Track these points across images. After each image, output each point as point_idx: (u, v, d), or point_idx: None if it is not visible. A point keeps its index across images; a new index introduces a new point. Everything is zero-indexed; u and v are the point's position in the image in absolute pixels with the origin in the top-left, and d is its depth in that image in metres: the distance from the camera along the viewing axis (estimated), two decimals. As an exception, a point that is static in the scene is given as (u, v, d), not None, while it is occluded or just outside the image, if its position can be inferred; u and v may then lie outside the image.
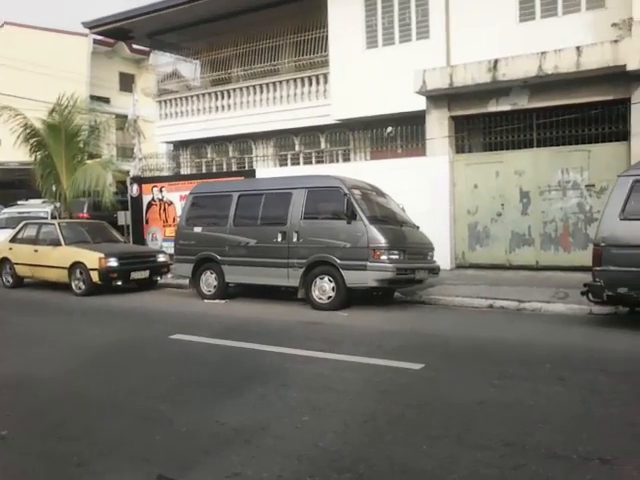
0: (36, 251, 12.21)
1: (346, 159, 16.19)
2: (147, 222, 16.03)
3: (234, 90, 17.86)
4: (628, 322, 7.40)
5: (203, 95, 18.61)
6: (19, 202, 19.00)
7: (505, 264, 12.06)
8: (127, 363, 5.95)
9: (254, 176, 14.31)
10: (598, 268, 6.95)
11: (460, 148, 12.89)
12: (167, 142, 20.15)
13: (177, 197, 15.13)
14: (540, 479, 3.15)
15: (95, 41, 27.33)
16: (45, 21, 49.48)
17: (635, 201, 6.83)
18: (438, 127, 12.62)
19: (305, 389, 4.81)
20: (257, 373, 5.34)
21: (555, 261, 11.57)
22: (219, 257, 10.16)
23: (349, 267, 8.71)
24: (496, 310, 8.70)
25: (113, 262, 11.24)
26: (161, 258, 12.29)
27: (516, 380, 4.96)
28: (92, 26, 19.59)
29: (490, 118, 12.24)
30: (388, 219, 9.35)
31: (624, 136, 11.04)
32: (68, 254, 11.59)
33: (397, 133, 13.99)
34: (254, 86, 17.37)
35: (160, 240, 15.65)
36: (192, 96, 18.89)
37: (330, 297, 8.89)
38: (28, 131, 14.70)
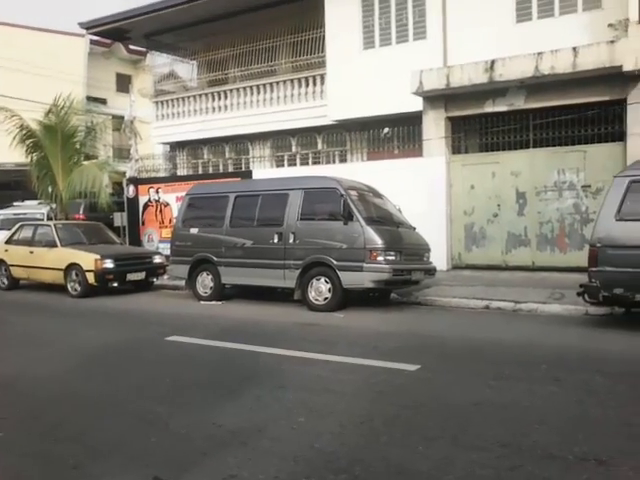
0: (32, 252, 12.18)
1: (343, 160, 16.19)
2: (143, 223, 16.00)
3: (231, 91, 17.85)
4: (624, 323, 7.42)
5: (200, 96, 18.59)
6: (15, 203, 18.95)
7: (501, 265, 12.07)
8: (123, 365, 5.94)
9: (251, 177, 14.29)
10: (594, 269, 6.95)
11: (457, 149, 12.92)
12: (164, 143, 20.12)
13: (173, 198, 15.10)
14: (536, 480, 3.16)
15: (92, 42, 27.25)
16: (41, 21, 49.36)
17: (631, 202, 6.83)
18: (435, 128, 12.63)
19: (301, 390, 4.80)
20: (253, 375, 5.33)
21: (551, 262, 11.59)
22: (215, 258, 10.14)
23: (345, 268, 8.71)
24: (492, 311, 8.70)
25: (109, 263, 11.22)
26: (157, 259, 12.27)
27: (512, 381, 4.96)
28: (89, 27, 19.54)
29: (487, 119, 12.25)
30: (385, 220, 9.35)
31: (620, 137, 11.08)
32: (64, 255, 11.57)
33: (394, 134, 13.99)
34: (251, 87, 17.36)
35: (156, 241, 15.62)
36: (189, 97, 18.87)
37: (326, 298, 8.89)
38: (24, 132, 14.66)
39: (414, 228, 9.94)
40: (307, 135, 16.46)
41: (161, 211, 15.65)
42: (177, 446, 3.70)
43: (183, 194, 11.88)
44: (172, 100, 19.23)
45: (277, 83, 16.85)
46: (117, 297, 11.16)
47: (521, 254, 11.92)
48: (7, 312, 10.14)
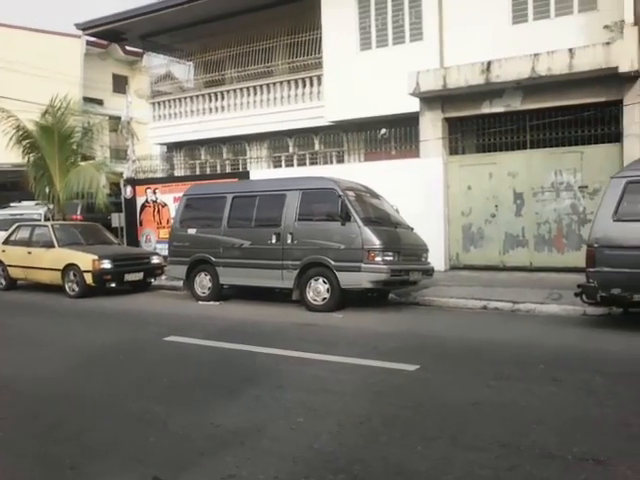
0: (29, 253, 12.16)
1: (340, 161, 16.19)
2: (141, 224, 15.98)
3: (228, 92, 17.85)
4: (622, 323, 7.43)
5: (197, 97, 18.59)
6: (12, 204, 18.88)
7: (499, 265, 12.09)
8: (122, 365, 5.93)
9: (248, 178, 14.29)
10: (591, 269, 6.97)
11: (454, 150, 12.93)
12: (161, 144, 20.11)
13: (171, 199, 15.08)
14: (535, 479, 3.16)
15: (88, 43, 27.20)
16: (37, 22, 49.29)
17: (628, 202, 6.86)
18: (432, 129, 12.65)
19: (300, 390, 4.81)
20: (252, 375, 5.33)
21: (549, 262, 11.61)
22: (213, 259, 10.14)
23: (343, 268, 8.71)
24: (490, 311, 8.71)
25: (107, 264, 11.20)
26: (155, 260, 12.27)
27: (511, 381, 4.97)
28: (85, 28, 19.53)
29: (483, 120, 12.27)
30: (382, 220, 9.36)
31: (617, 137, 11.11)
32: (61, 256, 11.55)
33: (391, 135, 14.01)
34: (248, 88, 17.36)
35: (154, 242, 15.61)
36: (186, 98, 18.86)
37: (325, 298, 8.89)
38: (21, 133, 14.64)
39: (412, 229, 9.95)
40: (304, 136, 16.46)
41: (159, 212, 15.64)
42: (176, 446, 3.70)
43: (181, 195, 11.88)
44: (169, 101, 19.23)
45: (274, 84, 16.86)
46: (115, 298, 11.14)
47: (519, 254, 11.95)
48: (4, 312, 10.13)
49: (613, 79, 10.70)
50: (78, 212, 16.37)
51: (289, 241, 9.30)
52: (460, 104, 12.33)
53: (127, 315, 9.32)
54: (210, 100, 18.22)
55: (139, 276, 11.78)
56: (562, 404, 4.36)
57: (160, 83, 20.02)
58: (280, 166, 17.22)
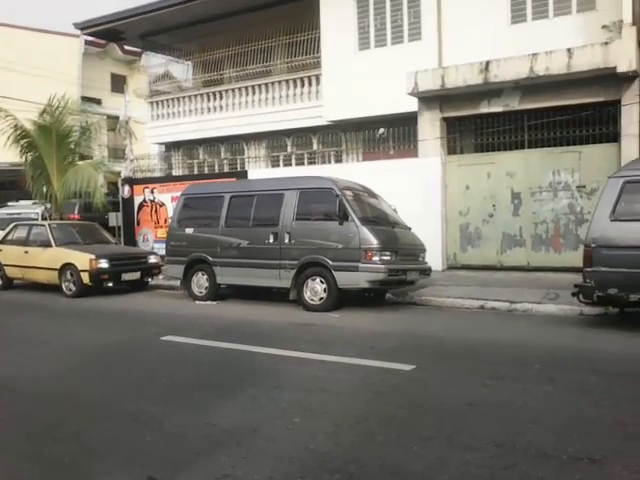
0: (26, 252, 12.15)
1: (338, 160, 16.19)
2: (138, 223, 15.98)
3: (226, 91, 17.83)
4: (618, 323, 7.44)
5: (195, 96, 18.57)
6: (9, 203, 18.85)
7: (496, 265, 12.10)
8: (119, 365, 5.93)
9: (246, 177, 14.30)
10: (589, 269, 6.98)
11: (452, 149, 12.94)
12: (159, 143, 20.09)
13: (169, 198, 15.09)
14: (530, 479, 3.16)
15: (86, 42, 27.14)
16: (36, 22, 49.31)
17: (625, 202, 6.86)
18: (430, 128, 12.65)
19: (297, 390, 4.80)
20: (249, 374, 5.33)
21: (546, 262, 11.62)
22: (211, 258, 10.13)
23: (341, 268, 8.71)
24: (487, 311, 8.72)
25: (104, 263, 11.19)
26: (152, 259, 12.26)
27: (507, 381, 4.97)
28: (83, 27, 19.50)
29: (482, 119, 12.28)
30: (380, 220, 9.36)
31: (614, 137, 11.11)
32: (58, 255, 11.54)
33: (389, 134, 14.02)
34: (246, 87, 17.35)
35: (151, 241, 15.61)
36: (184, 97, 18.84)
37: (322, 298, 8.89)
38: (18, 132, 14.63)
39: (409, 228, 9.95)
40: (302, 135, 16.46)
41: (156, 211, 15.64)
42: (172, 446, 3.69)
43: (178, 194, 11.88)
44: (167, 100, 19.21)
45: (272, 84, 16.85)
46: (112, 297, 11.13)
47: (516, 254, 11.95)
48: (1, 312, 10.10)
49: (611, 79, 10.70)
50: (75, 211, 16.35)
51: (287, 241, 9.29)
52: (458, 104, 12.33)
53: (124, 315, 9.31)
54: (208, 99, 18.20)
55: (136, 276, 11.77)
56: (558, 404, 4.36)
57: (158, 82, 20.00)
58: (278, 166, 17.21)
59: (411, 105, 12.77)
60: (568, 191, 11.51)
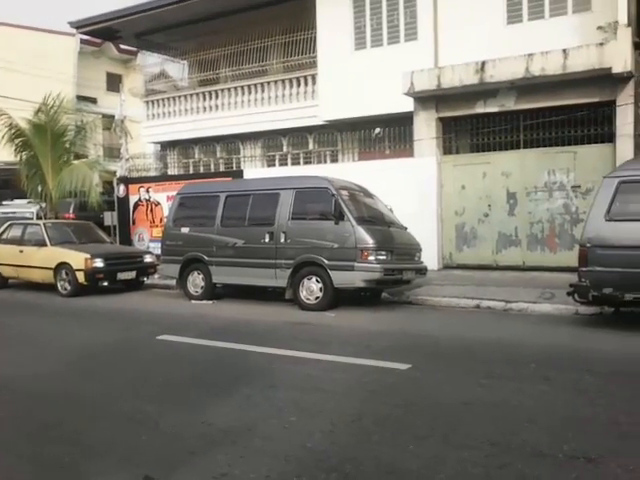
0: (21, 252, 12.10)
1: (334, 160, 16.19)
2: (134, 223, 15.95)
3: (222, 91, 17.80)
4: (613, 322, 7.46)
5: (191, 95, 18.53)
6: (4, 202, 18.83)
7: (492, 265, 12.12)
8: (114, 364, 5.92)
9: (242, 177, 14.27)
10: (584, 269, 7.00)
11: (448, 149, 12.96)
12: (154, 142, 20.04)
13: (164, 198, 15.06)
14: (526, 478, 3.16)
15: (82, 41, 27.11)
16: (31, 20, 49.15)
17: (620, 202, 6.88)
18: (426, 128, 12.67)
19: (293, 389, 4.80)
20: (244, 374, 5.32)
21: (541, 262, 11.65)
22: (206, 258, 10.12)
23: (337, 267, 8.71)
24: (483, 310, 8.73)
25: (99, 263, 11.16)
26: (148, 259, 12.23)
27: (503, 380, 4.98)
28: (79, 26, 19.43)
29: (477, 119, 12.30)
30: (376, 220, 9.36)
31: (610, 138, 11.15)
32: (54, 255, 11.50)
33: (385, 134, 14.02)
34: (242, 87, 17.33)
35: (147, 241, 15.57)
36: (180, 96, 18.81)
37: (318, 298, 8.89)
38: (13, 131, 14.57)
39: (405, 228, 9.96)
40: (298, 135, 16.46)
41: (152, 210, 15.60)
42: (168, 445, 3.69)
43: (174, 193, 11.86)
44: (163, 99, 19.17)
45: (268, 83, 16.83)
46: (107, 296, 11.10)
47: (511, 254, 11.98)
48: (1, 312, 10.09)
49: (606, 80, 10.74)
50: (71, 211, 16.32)
51: (282, 240, 9.29)
52: (454, 104, 12.35)
53: (120, 314, 9.29)
54: (204, 99, 18.17)
55: (132, 275, 11.74)
56: (553, 403, 4.37)
57: (154, 82, 19.95)
58: (274, 165, 17.21)
59: (407, 105, 12.78)
60: (563, 191, 11.55)
